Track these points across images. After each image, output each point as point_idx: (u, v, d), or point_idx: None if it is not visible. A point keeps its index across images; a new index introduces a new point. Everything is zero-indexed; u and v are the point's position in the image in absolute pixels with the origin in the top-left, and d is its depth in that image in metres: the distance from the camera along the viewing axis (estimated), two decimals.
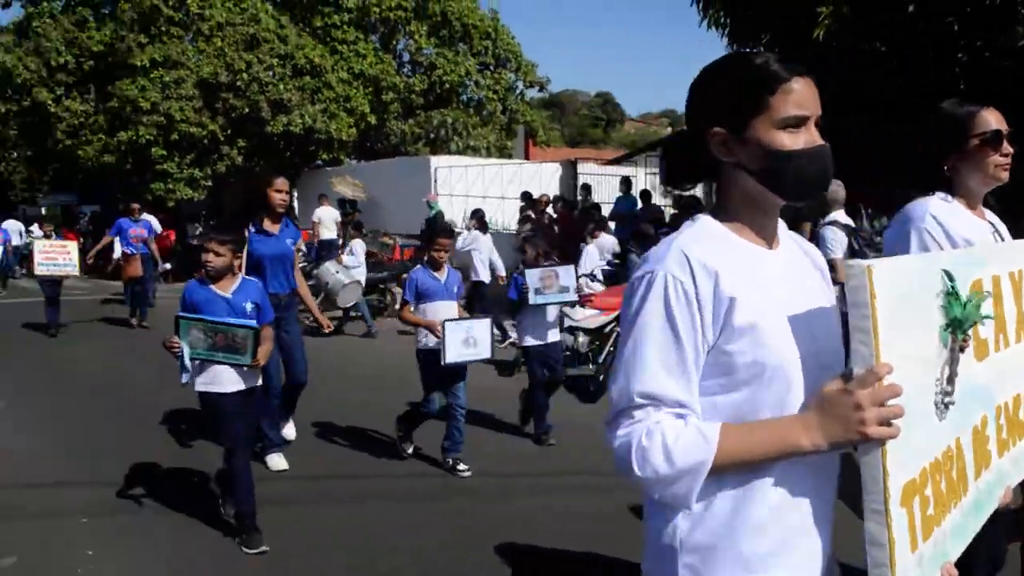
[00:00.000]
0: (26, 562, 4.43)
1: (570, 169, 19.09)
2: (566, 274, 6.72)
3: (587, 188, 16.34)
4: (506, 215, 18.04)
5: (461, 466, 5.77)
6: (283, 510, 5.00)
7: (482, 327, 5.85)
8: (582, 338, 8.46)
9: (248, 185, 6.25)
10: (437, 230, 6.27)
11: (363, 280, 12.19)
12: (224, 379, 4.52)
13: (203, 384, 4.55)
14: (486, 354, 5.85)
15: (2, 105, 23.68)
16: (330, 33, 22.96)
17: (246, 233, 5.63)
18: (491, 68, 26.28)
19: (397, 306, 13.64)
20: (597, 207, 13.82)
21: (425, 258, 6.21)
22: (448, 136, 22.48)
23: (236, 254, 4.70)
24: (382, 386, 8.48)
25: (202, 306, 4.55)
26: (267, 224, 5.89)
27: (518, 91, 27.45)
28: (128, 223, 13.09)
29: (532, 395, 6.62)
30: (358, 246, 12.83)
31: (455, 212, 17.65)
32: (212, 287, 4.60)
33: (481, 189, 18.40)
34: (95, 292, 17.61)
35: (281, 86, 20.98)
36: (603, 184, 17.43)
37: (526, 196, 15.70)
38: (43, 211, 35.88)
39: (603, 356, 8.04)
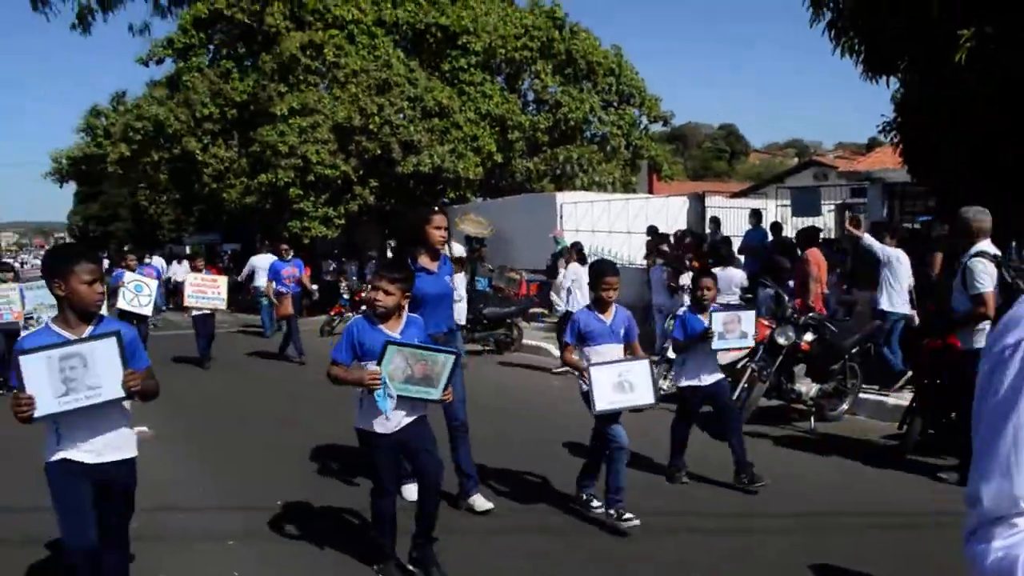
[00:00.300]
0: None
1: (697, 202, 18.87)
2: (747, 320, 6.44)
3: (716, 221, 16.07)
4: (632, 250, 17.97)
5: (628, 515, 5.22)
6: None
7: (639, 369, 5.33)
8: None
9: (406, 222, 6.09)
10: (604, 269, 5.61)
11: (462, 315, 12.29)
12: (391, 420, 4.41)
13: (366, 422, 4.46)
14: (647, 400, 5.34)
15: (155, 153, 25.31)
16: (458, 76, 23.59)
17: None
18: (615, 104, 26.38)
19: (524, 340, 13.94)
20: (727, 240, 13.59)
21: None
22: (573, 172, 22.63)
23: (405, 293, 4.52)
24: (497, 418, 8.51)
25: (373, 346, 4.37)
26: (426, 261, 5.61)
27: (642, 126, 27.43)
28: (280, 264, 13.75)
29: (676, 426, 6.37)
30: (459, 280, 12.91)
31: None
32: (381, 327, 4.45)
33: (607, 224, 18.40)
34: (236, 325, 18.49)
35: (412, 128, 21.67)
36: (731, 217, 17.12)
37: (652, 230, 15.61)
38: (188, 249, 38.02)
39: (737, 393, 7.84)
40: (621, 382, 5.24)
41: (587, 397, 5.31)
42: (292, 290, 13.52)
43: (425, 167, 21.71)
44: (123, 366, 3.48)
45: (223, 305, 12.91)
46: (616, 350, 5.48)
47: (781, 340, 8.02)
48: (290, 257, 13.98)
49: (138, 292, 11.34)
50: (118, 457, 3.67)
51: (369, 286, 4.56)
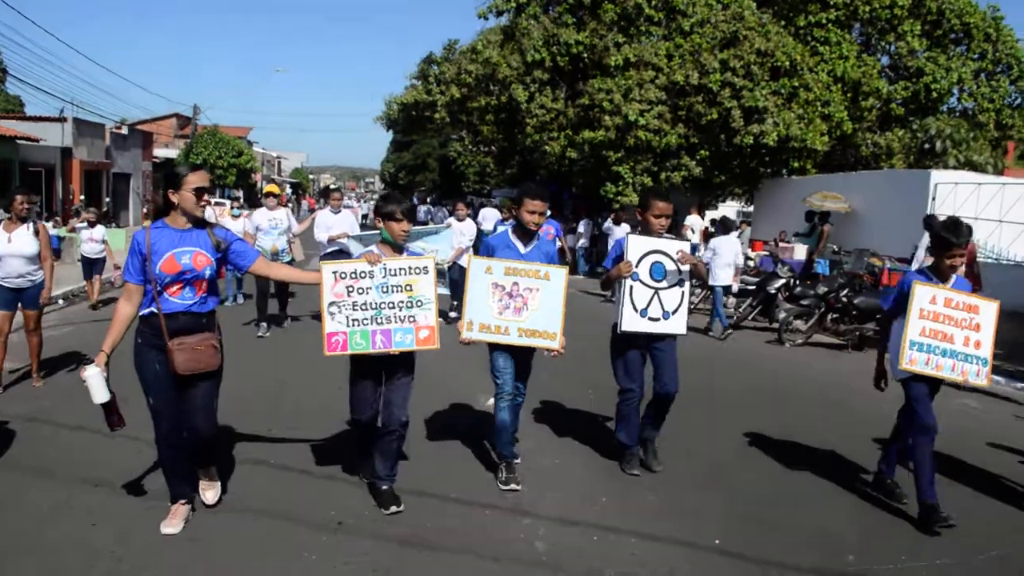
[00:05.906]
0: None
1: None
2: None
3: None
4: (1003, 240, 15.38)
5: None
6: None
7: None
8: None
9: None
10: None
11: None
12: None
13: None
14: None
15: (483, 99, 24.92)
16: (811, 32, 21.25)
17: None
18: (987, 75, 22.83)
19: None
20: None
21: None
22: (944, 148, 19.40)
23: None
24: None
25: None
26: None
27: (1015, 101, 23.61)
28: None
29: None
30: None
31: None
32: None
33: (997, 211, 15.57)
34: None
35: (757, 92, 19.56)
36: None
37: None
38: (497, 201, 38.19)
39: None
40: None
41: None
42: None
43: (769, 138, 19.48)
44: None
45: None
46: None
47: None
48: None
49: None
50: None
51: None
